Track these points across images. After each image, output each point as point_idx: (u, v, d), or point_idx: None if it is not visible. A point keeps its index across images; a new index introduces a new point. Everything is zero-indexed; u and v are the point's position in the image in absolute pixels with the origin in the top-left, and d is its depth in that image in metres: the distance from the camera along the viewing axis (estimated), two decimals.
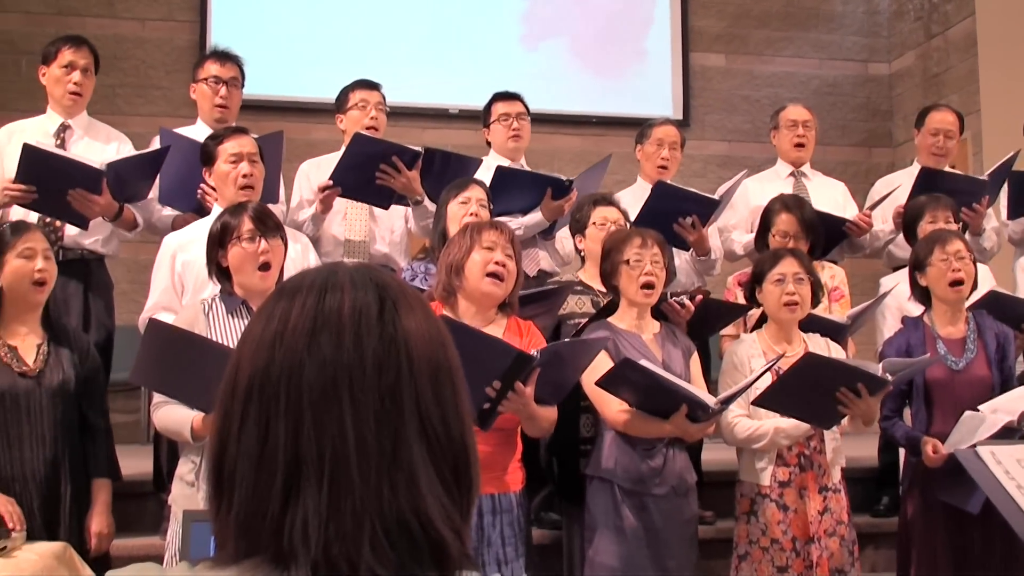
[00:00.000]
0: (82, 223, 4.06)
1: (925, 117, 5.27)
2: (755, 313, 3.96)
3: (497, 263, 3.18)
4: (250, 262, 3.14)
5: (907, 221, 4.48)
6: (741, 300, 4.13)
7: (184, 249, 3.70)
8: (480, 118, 5.04)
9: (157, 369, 3.12)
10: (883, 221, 4.95)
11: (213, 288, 3.32)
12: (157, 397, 3.21)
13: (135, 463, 4.68)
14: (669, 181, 4.60)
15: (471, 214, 3.79)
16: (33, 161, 3.86)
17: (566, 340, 3.58)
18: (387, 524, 0.91)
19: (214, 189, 3.81)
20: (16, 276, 3.38)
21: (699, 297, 3.88)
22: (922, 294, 3.94)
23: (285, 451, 0.93)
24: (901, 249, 4.90)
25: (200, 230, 3.77)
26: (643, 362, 3.22)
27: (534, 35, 7.94)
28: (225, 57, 4.57)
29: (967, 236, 4.60)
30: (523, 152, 4.93)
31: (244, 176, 3.68)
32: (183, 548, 2.32)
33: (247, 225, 3.14)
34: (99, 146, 4.42)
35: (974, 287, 3.90)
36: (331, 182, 4.23)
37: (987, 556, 3.66)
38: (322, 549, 0.90)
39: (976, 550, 3.67)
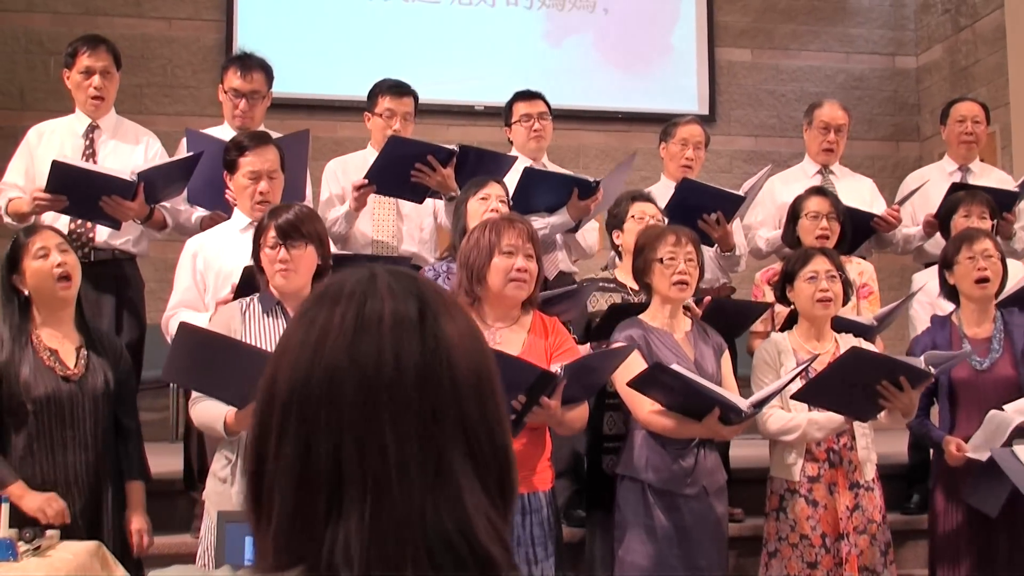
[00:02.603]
0: (115, 224, 4.09)
1: (949, 109, 5.26)
2: (782, 311, 3.95)
3: (519, 270, 3.17)
4: (271, 267, 3.18)
5: (942, 216, 4.46)
6: (769, 298, 4.11)
7: (205, 249, 3.75)
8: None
9: (189, 369, 3.15)
10: (913, 223, 4.92)
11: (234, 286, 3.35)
12: (194, 392, 3.24)
13: (164, 461, 4.70)
14: (694, 178, 4.59)
15: (492, 210, 3.79)
16: (63, 175, 3.89)
17: (592, 352, 3.57)
18: (431, 544, 0.90)
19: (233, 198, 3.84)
20: (38, 277, 3.39)
21: (707, 299, 3.86)
22: (951, 292, 3.93)
23: (326, 470, 0.91)
24: (931, 245, 4.87)
25: (222, 231, 3.81)
26: (674, 366, 3.20)
27: (559, 31, 7.92)
28: (247, 67, 4.48)
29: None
30: (545, 151, 4.91)
31: (261, 193, 3.72)
32: (217, 549, 2.34)
33: (271, 233, 3.17)
34: (128, 147, 4.44)
35: (1003, 285, 3.88)
36: (366, 181, 4.25)
37: (1013, 556, 3.65)
38: (364, 569, 0.88)
39: (1002, 550, 3.66)
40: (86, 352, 3.45)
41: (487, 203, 3.83)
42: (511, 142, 4.92)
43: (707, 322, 3.75)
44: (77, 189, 3.93)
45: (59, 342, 3.42)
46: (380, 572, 0.89)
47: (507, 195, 3.95)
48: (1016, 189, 4.82)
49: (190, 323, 3.14)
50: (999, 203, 4.63)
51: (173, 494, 4.35)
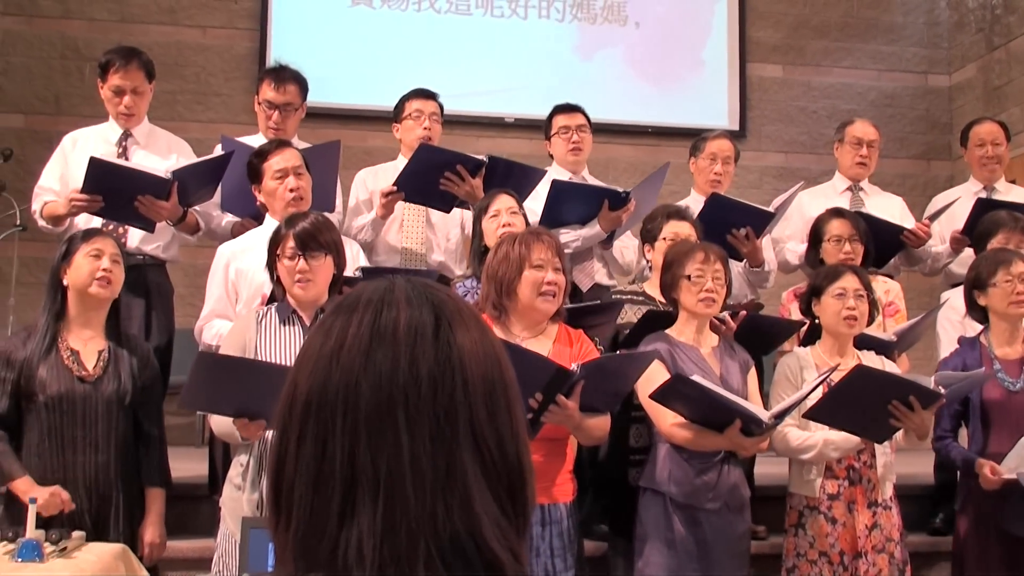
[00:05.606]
0: (148, 227, 4.13)
1: (968, 133, 5.25)
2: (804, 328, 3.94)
3: (549, 283, 3.18)
4: (290, 278, 3.21)
5: (980, 234, 4.41)
6: (796, 315, 4.10)
7: (237, 258, 3.77)
8: (535, 127, 5.04)
9: (208, 394, 3.13)
10: (941, 241, 4.89)
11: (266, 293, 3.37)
12: None
13: (189, 466, 4.73)
14: (723, 193, 4.58)
15: (504, 225, 3.79)
16: (100, 173, 3.93)
17: (612, 354, 3.57)
18: (441, 544, 0.91)
19: (263, 205, 3.85)
20: (81, 273, 3.44)
21: (742, 313, 3.85)
22: (979, 313, 3.90)
23: (341, 470, 0.93)
24: (959, 266, 4.84)
25: (253, 239, 3.83)
26: (695, 377, 3.20)
27: (590, 44, 7.94)
28: (282, 80, 4.52)
29: None
30: (584, 164, 4.92)
31: (292, 190, 3.75)
32: (241, 555, 2.35)
33: (289, 243, 3.20)
34: (160, 154, 4.48)
35: None
36: (395, 187, 4.27)
37: None
38: (377, 569, 0.90)
39: None
40: (108, 355, 3.48)
41: (498, 219, 3.84)
42: (551, 156, 4.93)
43: (739, 337, 3.74)
44: (113, 188, 3.97)
45: (83, 343, 3.46)
46: (392, 571, 0.90)
47: (519, 204, 3.95)
48: None
49: (208, 352, 3.17)
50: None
51: (197, 498, 4.38)
